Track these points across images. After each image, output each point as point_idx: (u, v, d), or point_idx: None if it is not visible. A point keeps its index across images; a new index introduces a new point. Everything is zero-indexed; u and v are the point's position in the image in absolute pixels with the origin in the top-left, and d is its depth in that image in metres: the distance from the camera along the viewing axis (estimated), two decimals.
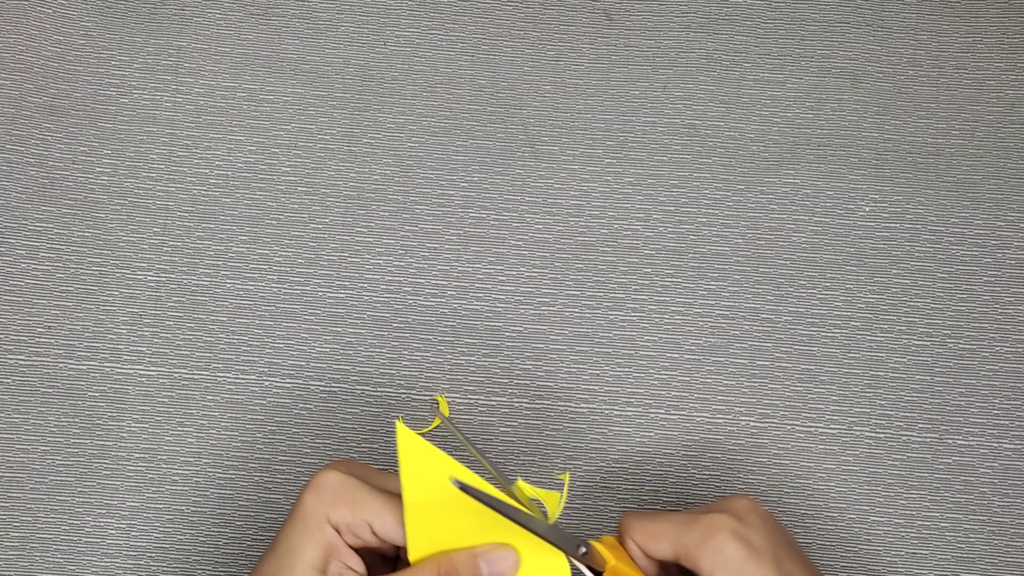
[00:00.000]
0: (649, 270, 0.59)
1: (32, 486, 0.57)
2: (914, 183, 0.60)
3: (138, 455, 0.57)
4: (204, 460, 0.57)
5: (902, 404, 0.59)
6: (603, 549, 0.48)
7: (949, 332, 0.59)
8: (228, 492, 0.57)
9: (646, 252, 0.59)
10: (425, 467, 0.44)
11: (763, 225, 0.60)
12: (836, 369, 0.59)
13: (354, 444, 0.57)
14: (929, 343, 0.59)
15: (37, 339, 0.58)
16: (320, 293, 0.59)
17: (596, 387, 0.58)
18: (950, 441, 0.58)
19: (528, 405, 0.58)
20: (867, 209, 0.60)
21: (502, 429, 0.58)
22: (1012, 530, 0.57)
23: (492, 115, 0.61)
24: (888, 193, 0.60)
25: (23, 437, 0.57)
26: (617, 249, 0.59)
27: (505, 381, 0.58)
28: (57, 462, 0.57)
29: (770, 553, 0.47)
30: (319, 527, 0.45)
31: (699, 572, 0.47)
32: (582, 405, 0.58)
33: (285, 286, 0.59)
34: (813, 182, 0.60)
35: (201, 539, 0.57)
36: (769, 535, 0.48)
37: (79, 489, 0.57)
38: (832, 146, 0.61)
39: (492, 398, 0.58)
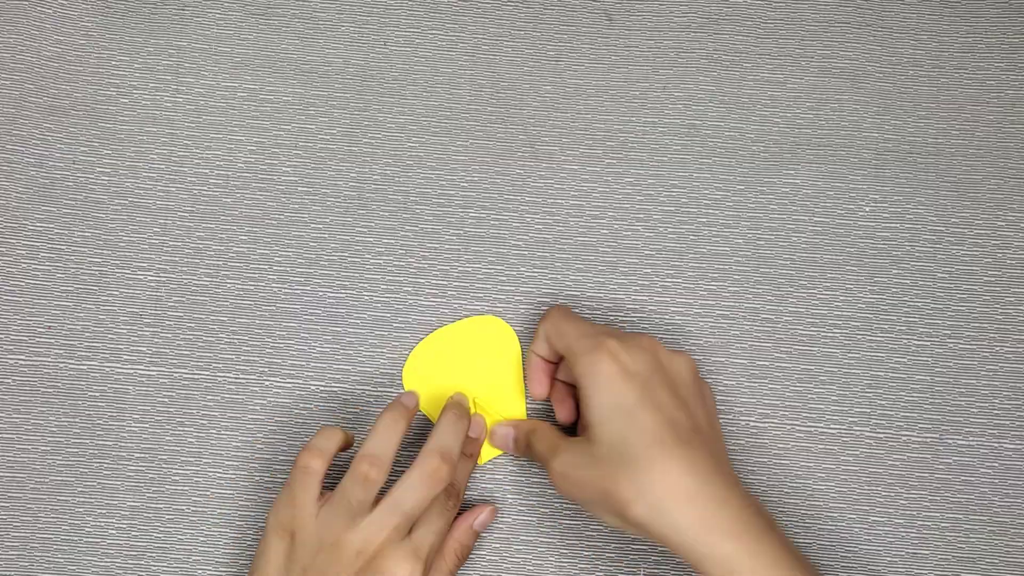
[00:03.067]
0: (649, 270, 0.59)
1: (32, 486, 0.57)
2: (914, 183, 0.60)
3: (138, 455, 0.57)
4: (204, 460, 0.57)
5: (902, 404, 0.59)
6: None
7: (949, 332, 0.59)
8: (228, 492, 0.57)
9: (646, 252, 0.59)
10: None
11: (763, 225, 0.60)
12: (836, 369, 0.59)
13: (355, 444, 0.57)
14: (929, 343, 0.59)
15: (37, 339, 0.58)
16: (320, 293, 0.59)
17: None
18: (950, 441, 0.58)
19: (528, 405, 0.58)
20: (867, 209, 0.60)
21: None
22: (1012, 530, 0.57)
23: (492, 115, 0.61)
24: (888, 193, 0.60)
25: (23, 437, 0.57)
26: (617, 249, 0.59)
27: None
28: (57, 462, 0.57)
29: (641, 379, 0.51)
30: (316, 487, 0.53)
31: (576, 382, 0.52)
32: None
33: (285, 286, 0.59)
34: (813, 182, 0.60)
35: (201, 539, 0.57)
36: (650, 365, 0.51)
37: (79, 489, 0.57)
38: (832, 146, 0.61)
39: None
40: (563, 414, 0.56)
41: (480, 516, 0.56)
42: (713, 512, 0.48)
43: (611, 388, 0.50)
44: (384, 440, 0.53)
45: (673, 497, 0.48)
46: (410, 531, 0.52)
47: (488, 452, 0.58)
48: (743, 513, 0.48)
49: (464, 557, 0.55)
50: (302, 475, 0.52)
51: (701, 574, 0.48)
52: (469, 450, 0.57)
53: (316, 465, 0.52)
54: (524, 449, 0.56)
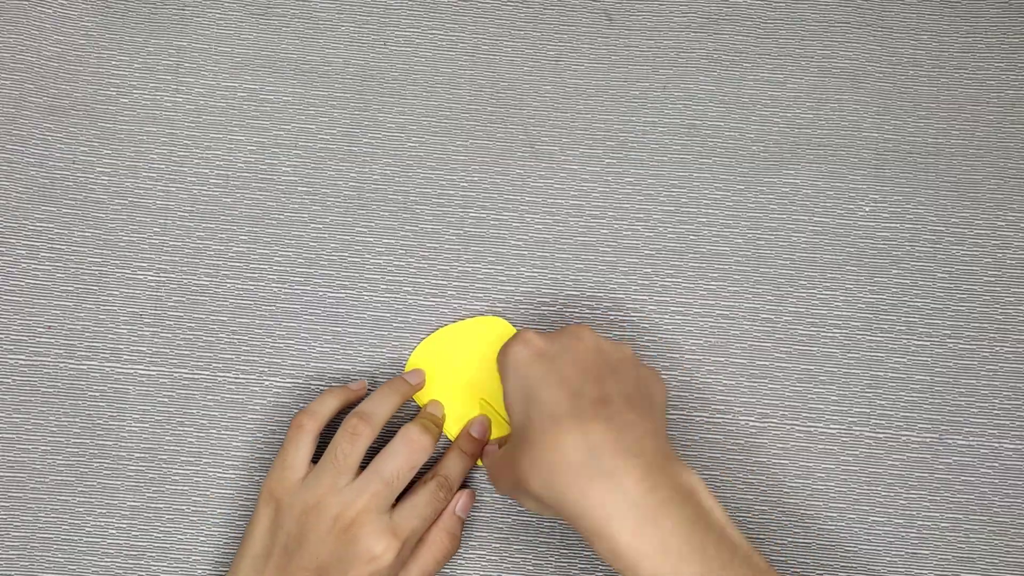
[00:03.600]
0: (649, 270, 0.59)
1: (33, 485, 0.57)
2: (914, 183, 0.60)
3: (139, 455, 0.57)
4: (204, 460, 0.57)
5: (902, 404, 0.58)
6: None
7: (949, 332, 0.59)
8: (229, 492, 0.57)
9: (646, 252, 0.59)
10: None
11: (763, 225, 0.60)
12: (836, 369, 0.59)
13: None
14: (929, 343, 0.59)
15: (37, 339, 0.58)
16: (320, 293, 0.59)
17: None
18: (950, 441, 0.58)
19: None
20: (867, 209, 0.60)
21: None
22: (1012, 530, 0.57)
23: (492, 115, 0.61)
24: (888, 193, 0.60)
25: (24, 437, 0.57)
26: (617, 249, 0.59)
27: None
28: (58, 462, 0.57)
29: (548, 357, 0.51)
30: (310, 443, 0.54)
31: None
32: None
33: (285, 286, 0.59)
34: (813, 182, 0.60)
35: (202, 539, 0.57)
36: (562, 345, 0.51)
37: (80, 489, 0.57)
38: (832, 146, 0.61)
39: None
40: None
41: (460, 501, 0.56)
42: (600, 486, 0.45)
43: (518, 372, 0.50)
44: (379, 403, 0.55)
45: (562, 470, 0.46)
46: (399, 511, 0.53)
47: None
48: (637, 488, 0.45)
49: (452, 546, 0.55)
50: (294, 433, 0.54)
51: (594, 550, 0.46)
52: (469, 448, 0.57)
53: (309, 425, 0.54)
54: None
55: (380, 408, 0.54)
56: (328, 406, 0.55)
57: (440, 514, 0.55)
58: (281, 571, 0.51)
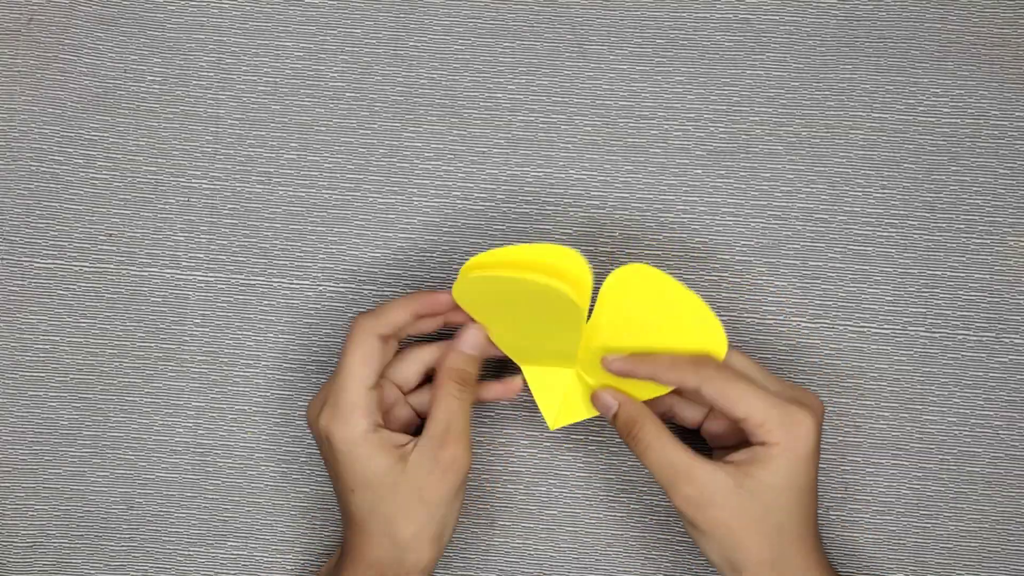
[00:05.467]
0: (700, 171, 0.58)
1: (102, 387, 0.59)
2: (977, 76, 0.58)
3: (201, 357, 0.59)
4: (264, 363, 0.59)
5: (959, 303, 0.58)
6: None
7: (1010, 229, 0.58)
8: (288, 392, 0.59)
9: (697, 153, 0.59)
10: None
11: (819, 122, 0.58)
12: (891, 269, 0.58)
13: None
14: (989, 241, 0.58)
15: (99, 246, 0.59)
16: (371, 199, 0.59)
17: None
18: (1007, 340, 0.57)
19: None
20: (927, 104, 0.58)
21: None
22: None
23: (539, 15, 0.59)
24: (949, 87, 0.58)
25: (91, 341, 0.59)
26: (668, 149, 0.59)
27: None
28: (124, 364, 0.59)
29: (815, 463, 0.51)
30: (364, 440, 0.51)
31: (762, 441, 0.50)
32: None
33: (336, 192, 0.59)
34: (871, 76, 0.58)
35: (264, 437, 0.59)
36: (817, 447, 0.51)
37: (147, 390, 0.59)
38: (892, 38, 0.59)
39: None
40: (692, 417, 0.55)
41: (464, 337, 0.53)
42: None
43: (798, 463, 0.49)
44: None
45: None
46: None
47: (579, 412, 0.55)
48: None
49: (466, 382, 0.52)
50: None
51: None
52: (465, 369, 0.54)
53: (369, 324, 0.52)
54: (625, 432, 0.52)
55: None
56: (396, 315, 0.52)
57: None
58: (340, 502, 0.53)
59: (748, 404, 0.49)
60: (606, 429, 0.58)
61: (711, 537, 0.50)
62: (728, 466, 0.50)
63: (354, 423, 0.50)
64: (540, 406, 0.55)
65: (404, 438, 0.51)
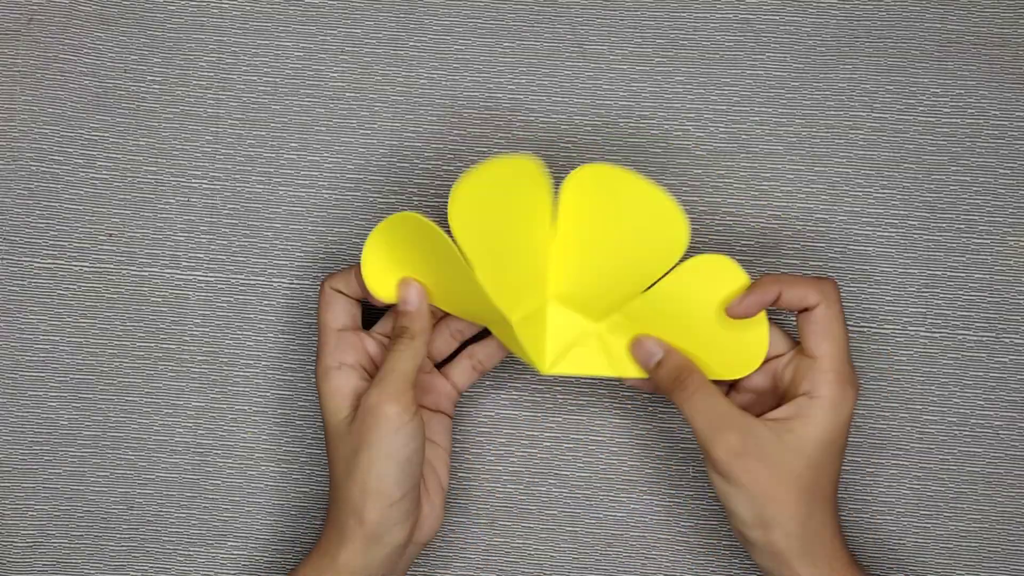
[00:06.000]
0: (700, 171, 0.58)
1: (102, 387, 0.59)
2: (977, 76, 0.58)
3: (201, 358, 0.59)
4: (264, 363, 0.59)
5: (959, 303, 0.58)
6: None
7: (1010, 229, 0.58)
8: (288, 392, 0.59)
9: (697, 153, 0.59)
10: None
11: (819, 123, 0.58)
12: (891, 269, 0.58)
13: None
14: (989, 241, 0.58)
15: (100, 246, 0.59)
16: (371, 199, 0.59)
17: None
18: (1007, 340, 0.58)
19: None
20: (927, 104, 0.58)
21: None
22: None
23: (539, 15, 0.59)
24: (950, 87, 0.58)
25: (91, 341, 0.59)
26: (668, 150, 0.59)
27: None
28: (125, 364, 0.59)
29: (847, 431, 0.52)
30: (327, 375, 0.53)
31: (808, 391, 0.51)
32: None
33: (336, 192, 0.59)
34: (872, 76, 0.58)
35: (264, 437, 0.59)
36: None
37: (147, 391, 0.59)
38: (892, 38, 0.59)
39: None
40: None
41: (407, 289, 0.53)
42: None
43: (839, 423, 0.51)
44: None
45: (826, 556, 0.51)
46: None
47: (622, 367, 0.55)
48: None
49: (400, 334, 0.52)
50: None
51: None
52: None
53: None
54: (671, 379, 0.53)
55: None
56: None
57: None
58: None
59: (834, 347, 0.51)
60: (606, 428, 0.58)
61: (745, 491, 0.50)
62: (769, 422, 0.51)
63: (320, 359, 0.53)
64: (535, 347, 0.54)
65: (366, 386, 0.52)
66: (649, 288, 0.53)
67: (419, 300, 0.52)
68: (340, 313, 0.53)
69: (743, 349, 0.53)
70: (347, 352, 0.53)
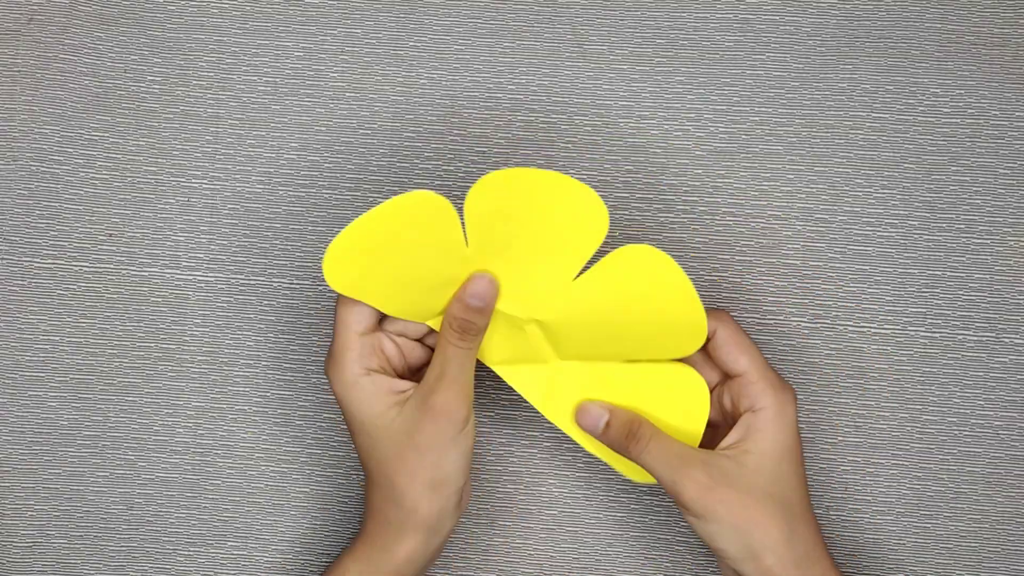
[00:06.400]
0: (700, 171, 0.59)
1: (102, 387, 0.59)
2: (977, 76, 0.58)
3: (201, 358, 0.59)
4: (264, 363, 0.59)
5: (959, 303, 0.58)
6: None
7: (1010, 229, 0.58)
8: (288, 392, 0.59)
9: (697, 153, 0.59)
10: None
11: (819, 123, 0.58)
12: (891, 269, 0.58)
13: None
14: (989, 241, 0.58)
15: (99, 246, 0.59)
16: (371, 200, 0.59)
17: None
18: (1007, 340, 0.58)
19: None
20: (927, 104, 0.58)
21: None
22: None
23: (539, 15, 0.59)
24: (950, 87, 0.58)
25: (91, 341, 0.59)
26: (668, 150, 0.59)
27: None
28: (124, 364, 0.59)
29: (798, 435, 0.52)
30: (355, 383, 0.51)
31: (747, 406, 0.51)
32: None
33: (336, 192, 0.59)
34: (872, 76, 0.58)
35: (264, 437, 0.59)
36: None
37: (147, 391, 0.59)
38: (892, 38, 0.59)
39: None
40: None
41: (473, 285, 0.51)
42: None
43: (788, 430, 0.51)
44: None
45: (821, 572, 0.51)
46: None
47: (554, 413, 0.54)
48: None
49: (462, 328, 0.51)
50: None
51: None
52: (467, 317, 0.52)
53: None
54: (623, 435, 0.52)
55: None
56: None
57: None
58: None
59: (752, 359, 0.51)
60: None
61: (726, 524, 0.50)
62: (724, 452, 0.51)
63: (345, 366, 0.51)
64: (487, 343, 0.53)
65: (405, 384, 0.51)
66: (578, 276, 0.51)
67: (493, 296, 0.52)
68: (363, 314, 0.51)
69: (683, 331, 0.51)
70: (372, 357, 0.51)
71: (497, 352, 0.53)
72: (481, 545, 0.58)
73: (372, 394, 0.51)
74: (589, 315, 0.52)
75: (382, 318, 0.52)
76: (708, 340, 0.52)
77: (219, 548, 0.59)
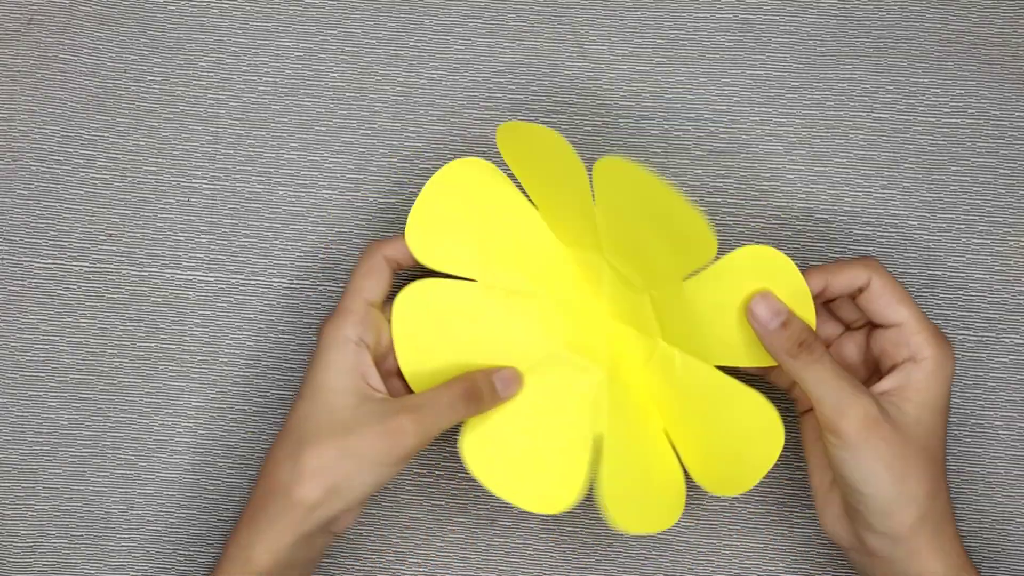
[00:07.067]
0: (700, 171, 0.59)
1: (102, 387, 0.59)
2: (977, 76, 0.58)
3: (201, 358, 0.59)
4: (264, 363, 0.59)
5: (959, 303, 0.58)
6: None
7: (1010, 229, 0.58)
8: (288, 394, 0.59)
9: (697, 153, 0.59)
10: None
11: (819, 123, 0.58)
12: (891, 269, 0.58)
13: None
14: (989, 241, 0.58)
15: (99, 246, 0.59)
16: (371, 199, 0.59)
17: None
18: (1007, 340, 0.58)
19: None
20: (927, 104, 0.58)
21: None
22: None
23: (539, 15, 0.59)
24: (950, 87, 0.58)
25: (91, 341, 0.59)
26: (668, 150, 0.59)
27: None
28: (125, 364, 0.59)
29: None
30: (343, 345, 0.50)
31: (910, 356, 0.49)
32: None
33: (336, 192, 0.59)
34: (872, 77, 0.58)
35: (264, 437, 0.59)
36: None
37: (147, 391, 0.59)
38: (893, 38, 0.59)
39: None
40: (786, 380, 0.53)
41: (503, 372, 0.53)
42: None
43: (947, 383, 0.50)
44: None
45: (954, 549, 0.49)
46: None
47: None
48: None
49: (472, 396, 0.51)
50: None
51: None
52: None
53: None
54: (794, 343, 0.49)
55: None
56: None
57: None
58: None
59: (912, 310, 0.49)
60: None
61: (881, 464, 0.47)
62: (882, 396, 0.49)
63: (342, 327, 0.50)
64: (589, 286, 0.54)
65: (378, 384, 0.51)
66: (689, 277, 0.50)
67: (515, 391, 0.52)
68: (378, 285, 0.51)
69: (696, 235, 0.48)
70: (367, 331, 0.51)
71: (610, 302, 0.53)
72: (481, 545, 0.58)
73: (349, 367, 0.50)
74: (699, 308, 0.51)
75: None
76: (860, 290, 0.50)
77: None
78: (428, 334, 0.53)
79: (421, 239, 0.53)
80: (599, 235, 0.51)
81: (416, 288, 0.53)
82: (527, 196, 0.54)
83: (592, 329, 0.54)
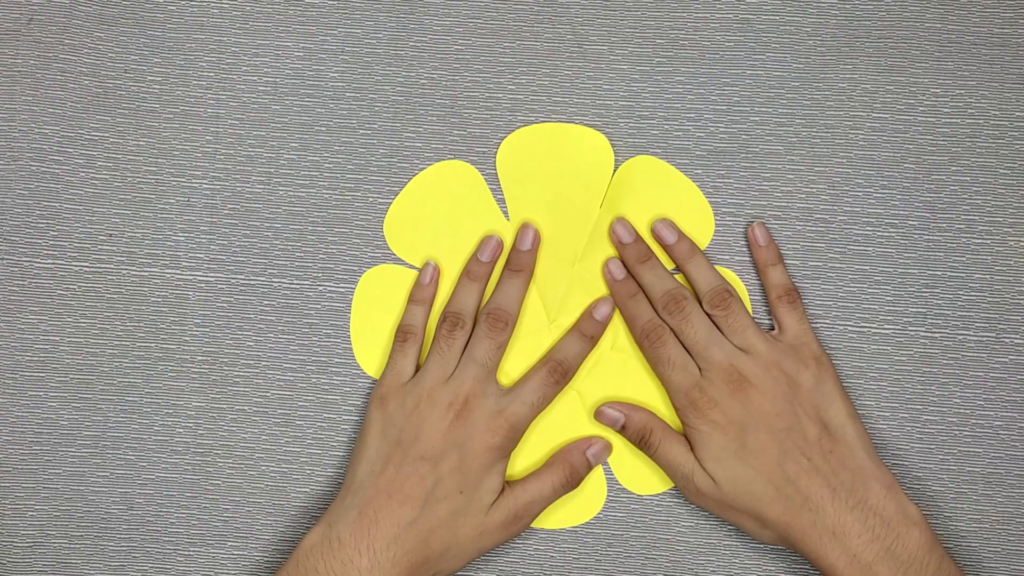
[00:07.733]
0: (700, 171, 0.58)
1: (102, 387, 0.59)
2: (977, 76, 0.58)
3: (201, 358, 0.59)
4: (264, 363, 0.59)
5: (960, 303, 0.58)
6: None
7: (1010, 229, 0.58)
8: (288, 393, 0.59)
9: (697, 153, 0.59)
10: None
11: (819, 123, 0.58)
12: (891, 269, 0.58)
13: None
14: (989, 241, 0.58)
15: (100, 247, 0.59)
16: (371, 199, 0.59)
17: None
18: (1007, 340, 0.58)
19: None
20: (927, 104, 0.58)
21: None
22: None
23: (539, 15, 0.59)
24: (950, 87, 0.58)
25: (91, 341, 0.59)
26: (668, 150, 0.59)
27: None
28: (124, 364, 0.59)
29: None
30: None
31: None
32: None
33: (336, 192, 0.59)
34: (872, 76, 0.58)
35: (264, 437, 0.59)
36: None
37: (147, 391, 0.59)
38: (893, 38, 0.59)
39: None
40: None
41: (594, 447, 0.57)
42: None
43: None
44: (466, 298, 0.57)
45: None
46: (508, 396, 0.56)
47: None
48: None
49: (568, 479, 0.56)
50: (398, 346, 0.57)
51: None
52: (589, 331, 0.57)
53: (410, 337, 0.57)
54: (637, 439, 0.57)
55: (469, 303, 0.57)
56: (418, 316, 0.57)
57: (567, 446, 0.57)
58: (399, 466, 0.54)
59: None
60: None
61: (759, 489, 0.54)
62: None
63: (496, 437, 0.55)
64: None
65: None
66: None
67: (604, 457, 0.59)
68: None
69: (695, 226, 0.58)
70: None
71: (560, 310, 0.59)
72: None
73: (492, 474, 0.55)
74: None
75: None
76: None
77: (219, 548, 0.59)
78: (380, 312, 0.59)
79: (396, 230, 0.59)
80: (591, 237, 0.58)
81: (377, 272, 0.59)
82: (503, 204, 0.59)
83: (534, 334, 0.59)
